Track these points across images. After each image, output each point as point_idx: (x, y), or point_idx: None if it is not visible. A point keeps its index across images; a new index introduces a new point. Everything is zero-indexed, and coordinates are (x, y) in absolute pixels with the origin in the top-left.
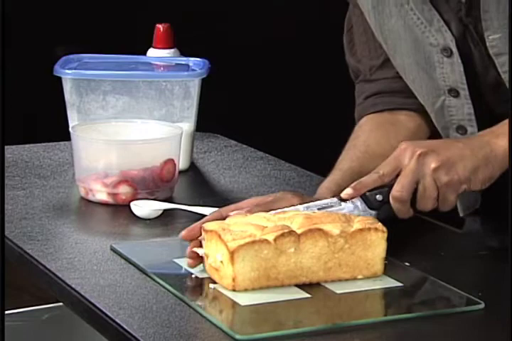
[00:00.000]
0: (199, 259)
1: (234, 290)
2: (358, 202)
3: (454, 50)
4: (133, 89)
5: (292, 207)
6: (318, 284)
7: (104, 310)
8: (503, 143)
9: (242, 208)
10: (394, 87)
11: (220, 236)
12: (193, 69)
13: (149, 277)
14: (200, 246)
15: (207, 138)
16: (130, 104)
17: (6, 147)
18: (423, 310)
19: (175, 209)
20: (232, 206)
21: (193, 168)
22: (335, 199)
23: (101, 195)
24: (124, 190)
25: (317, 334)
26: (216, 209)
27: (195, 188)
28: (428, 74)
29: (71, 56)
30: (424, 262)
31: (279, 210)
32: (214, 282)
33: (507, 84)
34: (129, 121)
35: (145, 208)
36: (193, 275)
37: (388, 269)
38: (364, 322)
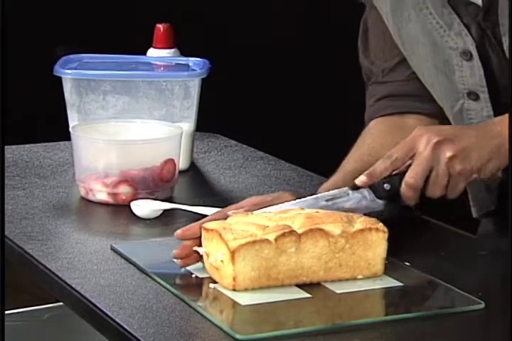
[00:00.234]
0: (191, 259)
1: (234, 290)
2: (366, 192)
3: (474, 53)
4: (133, 89)
5: (302, 199)
6: (318, 284)
7: (104, 309)
8: None
9: (243, 208)
10: (405, 90)
11: (220, 236)
12: (193, 69)
13: (149, 277)
14: (198, 245)
15: (207, 138)
16: (130, 104)
17: (6, 147)
18: (423, 310)
19: (175, 209)
20: (233, 206)
21: (193, 168)
22: (343, 190)
23: (101, 194)
24: (124, 189)
25: (317, 334)
26: (216, 209)
27: (195, 188)
28: (447, 78)
29: (71, 56)
30: (424, 262)
31: (281, 208)
32: (214, 282)
33: None
34: (129, 121)
35: (145, 208)
36: (193, 275)
37: (388, 269)
38: (364, 322)
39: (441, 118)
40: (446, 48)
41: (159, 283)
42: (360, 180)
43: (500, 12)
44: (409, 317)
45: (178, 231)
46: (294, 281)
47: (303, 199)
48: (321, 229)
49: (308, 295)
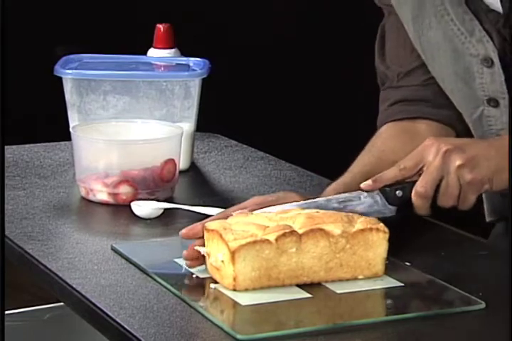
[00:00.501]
0: (199, 260)
1: (235, 290)
2: (378, 197)
3: (496, 60)
4: (133, 89)
5: (313, 200)
6: (319, 284)
7: (105, 309)
8: None
9: (246, 208)
10: (419, 95)
11: (221, 236)
12: (194, 69)
13: (150, 277)
14: (203, 245)
15: (207, 138)
16: (130, 104)
17: (6, 147)
18: (423, 310)
19: (175, 209)
20: (236, 206)
21: (193, 168)
22: (355, 194)
23: (101, 194)
24: (124, 190)
25: (318, 334)
26: (216, 209)
27: (196, 188)
28: (467, 85)
29: (71, 56)
30: (424, 262)
31: (280, 208)
32: (215, 282)
33: None
34: (129, 121)
35: (145, 208)
36: (194, 275)
37: (389, 269)
38: (365, 322)
39: (455, 126)
40: (466, 55)
41: (160, 283)
42: (366, 183)
43: None
44: (409, 317)
45: (183, 231)
46: (295, 281)
47: (314, 200)
48: (321, 229)
49: (308, 295)
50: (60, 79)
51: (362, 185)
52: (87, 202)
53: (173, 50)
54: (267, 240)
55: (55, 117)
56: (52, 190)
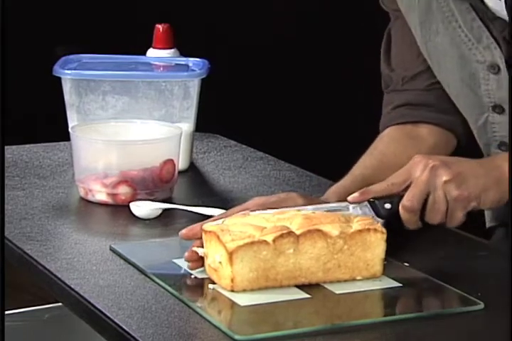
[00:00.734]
0: (200, 262)
1: (232, 291)
2: (367, 209)
3: (502, 66)
4: (132, 89)
5: (301, 207)
6: (317, 284)
7: (103, 310)
8: None
9: (248, 209)
10: (422, 100)
11: (218, 237)
12: (193, 70)
13: (148, 277)
14: (202, 246)
15: (206, 138)
16: (130, 105)
17: (5, 147)
18: (422, 311)
19: (174, 210)
20: (237, 207)
21: (192, 168)
22: (344, 204)
23: (100, 195)
24: (123, 190)
25: (316, 334)
26: (216, 209)
27: (195, 188)
28: (472, 91)
29: (71, 56)
30: (423, 262)
31: (279, 210)
32: (213, 282)
33: None
34: (128, 122)
35: (144, 208)
36: (193, 276)
37: (387, 269)
38: (363, 322)
39: (457, 131)
40: (473, 61)
41: (158, 284)
42: (353, 196)
43: None
44: (408, 318)
45: (183, 231)
46: (293, 282)
47: (302, 207)
48: (319, 230)
49: (307, 296)
50: (59, 79)
51: (349, 198)
52: (86, 202)
53: (172, 50)
54: (265, 241)
55: (54, 117)
56: (51, 190)
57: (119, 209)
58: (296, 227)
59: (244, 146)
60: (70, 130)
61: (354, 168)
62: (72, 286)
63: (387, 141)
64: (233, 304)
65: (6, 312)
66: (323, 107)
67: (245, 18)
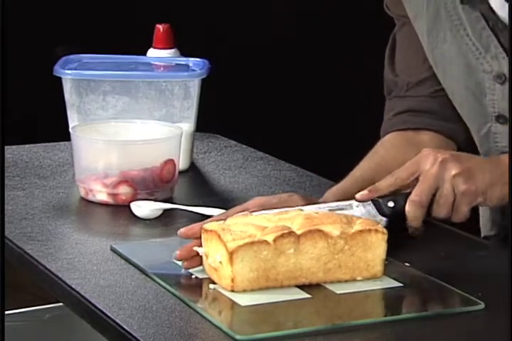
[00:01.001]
0: (195, 261)
1: (233, 291)
2: (370, 208)
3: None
4: (133, 89)
5: (305, 207)
6: (318, 284)
7: (104, 310)
8: None
9: (248, 209)
10: (425, 107)
11: (219, 237)
12: (193, 70)
13: (149, 277)
14: (199, 245)
15: (207, 138)
16: (130, 105)
17: (6, 147)
18: (423, 311)
19: (175, 210)
20: (238, 207)
21: (192, 168)
22: (347, 203)
23: (101, 195)
24: (124, 190)
25: (317, 334)
26: (216, 209)
27: (195, 188)
28: (477, 100)
29: (71, 56)
30: (424, 262)
31: (281, 210)
32: (214, 282)
33: None
34: (128, 122)
35: (145, 208)
36: (193, 276)
37: (388, 269)
38: (364, 322)
39: (458, 139)
40: (479, 71)
41: (159, 284)
42: (361, 193)
43: None
44: (409, 318)
45: (182, 230)
46: (293, 282)
47: (305, 207)
48: (320, 230)
49: (308, 296)
50: (59, 79)
51: (357, 196)
52: (86, 202)
53: (172, 50)
54: (265, 241)
55: (54, 117)
56: (51, 190)
57: (120, 209)
58: (297, 227)
59: (244, 146)
60: (70, 130)
61: (354, 171)
62: (73, 286)
63: (387, 146)
64: (234, 304)
65: (6, 312)
66: (324, 107)
67: (245, 18)
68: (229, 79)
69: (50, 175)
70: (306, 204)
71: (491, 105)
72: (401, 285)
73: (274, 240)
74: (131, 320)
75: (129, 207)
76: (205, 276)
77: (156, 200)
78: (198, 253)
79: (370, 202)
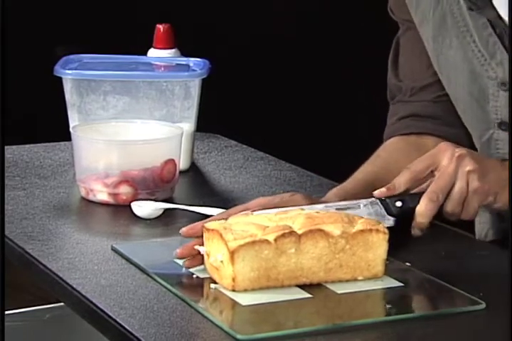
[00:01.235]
0: (197, 260)
1: (234, 290)
2: (378, 207)
3: None
4: (133, 89)
5: (312, 206)
6: (319, 284)
7: (105, 310)
8: None
9: (250, 209)
10: (429, 112)
11: (221, 236)
12: (194, 70)
13: (150, 277)
14: (201, 244)
15: (207, 138)
16: (130, 105)
17: (6, 147)
18: (424, 311)
19: (175, 209)
20: (239, 207)
21: (193, 168)
22: (355, 202)
23: (101, 195)
24: (124, 190)
25: (318, 334)
26: (216, 209)
27: (196, 188)
28: (480, 107)
29: (71, 56)
30: (425, 262)
31: (282, 209)
32: (215, 282)
33: None
34: (129, 122)
35: (146, 208)
36: (194, 276)
37: (389, 269)
38: (364, 322)
39: (461, 145)
40: (484, 77)
41: (160, 284)
42: (380, 191)
43: None
44: (409, 318)
45: (183, 229)
46: (294, 282)
47: (312, 206)
48: (320, 230)
49: (308, 296)
50: (60, 79)
51: (376, 193)
52: (87, 202)
53: (173, 50)
54: (266, 240)
55: (55, 117)
56: (52, 190)
57: (120, 209)
58: (298, 227)
59: (244, 146)
60: (71, 130)
61: (356, 173)
62: (74, 286)
63: (390, 150)
64: (235, 304)
65: (6, 312)
66: (324, 107)
67: (245, 18)
68: (229, 79)
69: (50, 175)
70: (308, 204)
71: (493, 112)
72: (402, 285)
73: (275, 239)
74: (132, 320)
75: (129, 206)
76: (206, 276)
77: (156, 200)
78: (199, 252)
79: (377, 201)
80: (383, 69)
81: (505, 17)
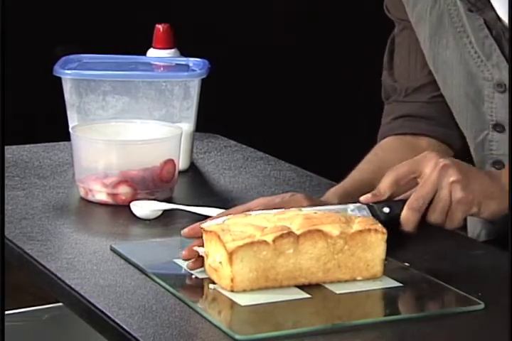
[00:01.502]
0: (199, 262)
1: (232, 291)
2: (365, 212)
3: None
4: (133, 89)
5: (299, 208)
6: (318, 284)
7: (103, 310)
8: None
9: (250, 209)
10: (423, 112)
11: (219, 237)
12: (193, 70)
13: (149, 277)
14: (202, 245)
15: (207, 138)
16: (130, 105)
17: (6, 147)
18: (423, 311)
19: (175, 210)
20: (240, 207)
21: (192, 168)
22: (343, 207)
23: (101, 195)
24: (123, 190)
25: (317, 334)
26: (216, 209)
27: (195, 188)
28: (476, 108)
29: (71, 56)
30: (423, 262)
31: (280, 210)
32: (214, 282)
33: None
34: (128, 122)
35: (145, 208)
36: (193, 276)
37: (388, 269)
38: (364, 322)
39: (454, 145)
40: (480, 78)
41: (159, 284)
42: (366, 196)
43: None
44: (408, 318)
45: (185, 230)
46: (293, 283)
47: (302, 209)
48: (319, 230)
49: (307, 296)
50: (59, 79)
51: (362, 198)
52: (86, 202)
53: (172, 50)
54: (265, 241)
55: (54, 117)
56: (51, 190)
57: (120, 209)
58: (297, 227)
59: (244, 146)
60: (70, 130)
61: (353, 173)
62: (73, 286)
63: (386, 149)
64: (234, 304)
65: (6, 312)
66: (324, 107)
67: (245, 18)
68: (229, 79)
69: (49, 175)
70: (308, 204)
71: (489, 113)
72: (401, 285)
73: (274, 240)
74: (130, 320)
75: (128, 207)
76: (205, 276)
77: (155, 200)
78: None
79: (365, 206)
80: (382, 70)
81: (504, 18)
